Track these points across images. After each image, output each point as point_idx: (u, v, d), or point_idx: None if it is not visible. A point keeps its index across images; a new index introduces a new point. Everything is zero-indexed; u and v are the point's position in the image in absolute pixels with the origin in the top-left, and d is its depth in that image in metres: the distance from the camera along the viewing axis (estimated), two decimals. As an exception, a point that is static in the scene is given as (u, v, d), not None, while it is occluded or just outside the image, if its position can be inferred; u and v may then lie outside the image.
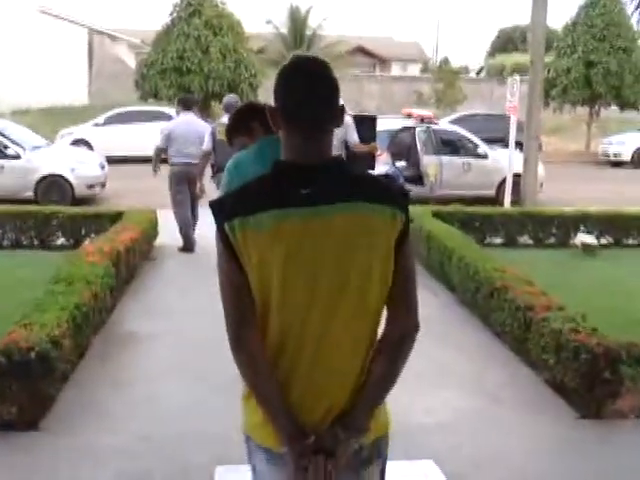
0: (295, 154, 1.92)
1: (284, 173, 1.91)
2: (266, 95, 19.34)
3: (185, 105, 9.71)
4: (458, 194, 13.61)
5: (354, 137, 8.18)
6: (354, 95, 31.54)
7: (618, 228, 10.18)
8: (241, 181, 2.17)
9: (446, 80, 32.09)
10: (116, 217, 8.97)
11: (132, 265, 7.56)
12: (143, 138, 19.46)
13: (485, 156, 14.19)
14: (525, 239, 10.18)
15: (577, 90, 24.31)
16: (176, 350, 5.84)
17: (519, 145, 18.68)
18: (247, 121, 3.49)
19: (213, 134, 8.32)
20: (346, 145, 8.15)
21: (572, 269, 8.55)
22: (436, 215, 9.55)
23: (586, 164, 23.43)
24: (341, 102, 2.00)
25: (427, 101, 31.05)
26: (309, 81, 1.92)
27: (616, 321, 5.89)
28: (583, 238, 9.55)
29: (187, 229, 9.34)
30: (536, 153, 13.38)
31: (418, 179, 13.41)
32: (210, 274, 7.79)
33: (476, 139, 14.58)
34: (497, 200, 14.06)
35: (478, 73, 56.43)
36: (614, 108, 27.16)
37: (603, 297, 7.19)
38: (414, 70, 50.54)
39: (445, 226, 8.91)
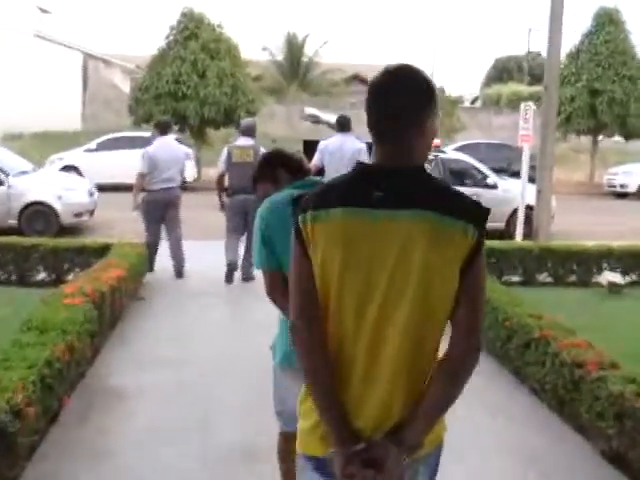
0: (380, 158, 1.96)
1: (363, 174, 1.97)
2: (262, 122, 18.60)
3: (162, 129, 9.51)
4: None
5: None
6: (352, 123, 30.81)
7: (643, 265, 9.47)
8: (277, 227, 2.72)
9: (444, 109, 31.72)
10: (102, 250, 8.22)
11: (118, 307, 6.76)
12: (136, 165, 19.62)
13: (495, 186, 13.47)
14: (544, 276, 9.45)
15: (582, 119, 23.66)
16: (170, 409, 5.05)
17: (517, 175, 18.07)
18: (273, 168, 3.38)
19: (229, 155, 8.65)
20: None
21: (601, 310, 7.81)
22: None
23: (592, 195, 22.82)
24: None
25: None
26: (392, 97, 1.93)
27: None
28: (609, 276, 8.81)
29: (152, 255, 9.14)
30: (550, 184, 12.66)
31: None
32: (207, 315, 7.01)
33: (485, 169, 13.89)
34: (507, 233, 13.37)
35: (473, 102, 56.28)
36: (617, 138, 26.62)
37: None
38: (410, 99, 50.07)
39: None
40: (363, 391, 1.92)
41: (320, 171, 8.64)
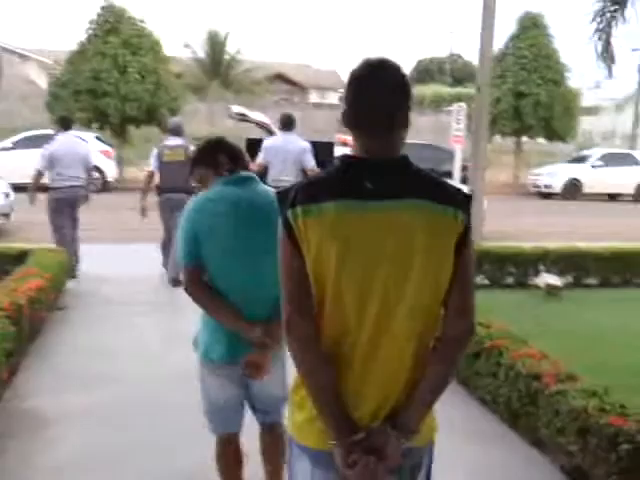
0: (364, 151, 1.94)
1: (351, 166, 1.94)
2: (184, 121, 18.12)
3: (64, 125, 9.14)
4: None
5: (311, 162, 8.41)
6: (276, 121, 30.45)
7: (578, 266, 9.47)
8: (204, 225, 2.87)
9: None
10: (20, 257, 7.63)
11: (38, 320, 6.22)
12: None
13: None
14: (480, 278, 9.30)
15: (507, 121, 23.91)
16: (98, 434, 4.57)
17: (451, 176, 18.11)
18: (215, 152, 3.28)
19: (159, 155, 8.63)
20: (303, 170, 8.39)
21: (543, 314, 7.70)
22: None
23: (517, 196, 23.11)
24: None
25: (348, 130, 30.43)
26: (381, 86, 1.92)
27: (623, 380, 4.98)
28: (548, 279, 8.73)
29: (73, 258, 8.81)
30: (483, 185, 12.62)
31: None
32: (135, 324, 6.45)
33: (417, 169, 13.71)
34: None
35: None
36: (539, 140, 27.06)
37: (588, 348, 6.36)
38: (332, 98, 50.04)
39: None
40: (362, 383, 1.94)
41: (265, 169, 8.55)
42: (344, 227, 1.86)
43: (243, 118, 12.52)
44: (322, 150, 9.01)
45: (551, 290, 8.59)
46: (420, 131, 33.70)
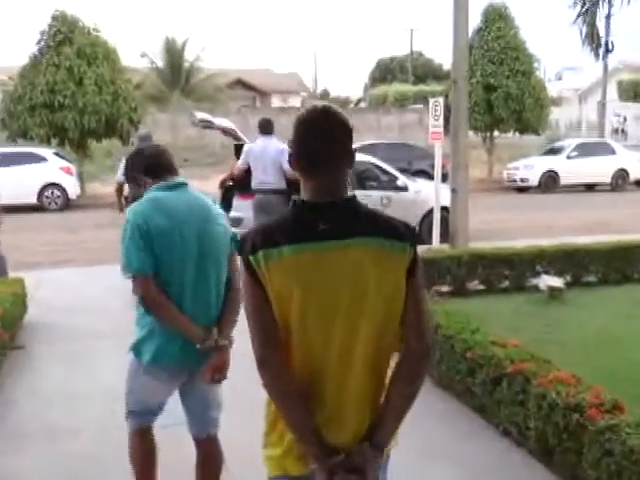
0: (314, 194, 2.08)
1: (303, 210, 2.08)
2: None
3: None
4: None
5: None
6: (240, 128, 29.72)
7: (576, 264, 8.87)
8: (149, 232, 3.00)
9: None
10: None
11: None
12: (13, 184, 18.24)
13: (405, 188, 12.62)
14: (474, 284, 8.69)
15: (479, 115, 23.34)
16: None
17: (425, 174, 17.45)
18: (133, 173, 3.36)
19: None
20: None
21: (546, 320, 7.08)
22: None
23: (493, 191, 22.59)
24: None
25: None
26: (325, 130, 2.07)
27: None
28: (549, 281, 8.12)
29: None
30: (466, 183, 12.00)
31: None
32: (104, 362, 5.63)
33: (393, 170, 13.04)
34: (419, 237, 12.63)
35: (357, 104, 56.26)
36: (510, 134, 26.61)
37: (607, 358, 5.78)
38: (295, 102, 49.40)
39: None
40: (340, 408, 2.05)
41: (247, 172, 9.04)
42: (303, 268, 2.00)
43: (207, 125, 11.81)
44: None
45: (553, 292, 7.98)
46: (385, 131, 33.34)
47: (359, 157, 13.58)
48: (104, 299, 8.39)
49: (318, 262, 1.99)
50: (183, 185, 3.22)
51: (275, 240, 2.00)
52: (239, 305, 3.13)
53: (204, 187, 23.17)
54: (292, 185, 8.33)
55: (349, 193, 2.10)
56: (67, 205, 19.77)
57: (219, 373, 3.14)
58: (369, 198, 12.21)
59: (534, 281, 8.37)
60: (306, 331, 2.00)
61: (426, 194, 12.60)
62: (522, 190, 22.71)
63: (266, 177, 8.70)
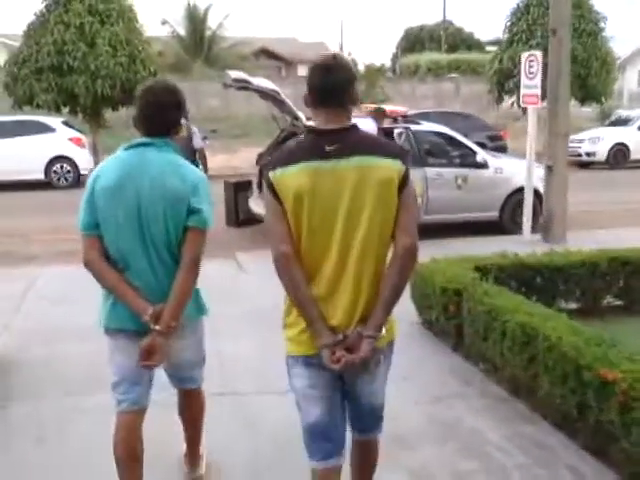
0: (321, 123, 2.61)
1: (313, 136, 2.62)
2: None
3: None
4: (453, 219, 10.06)
5: (199, 142, 10.04)
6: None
7: None
8: (99, 193, 2.92)
9: (368, 80, 29.24)
10: None
11: None
12: (18, 157, 16.81)
13: (485, 165, 10.27)
14: (609, 299, 6.43)
15: (539, 80, 20.81)
16: None
17: (482, 146, 14.93)
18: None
19: None
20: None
21: None
22: (479, 269, 5.93)
23: (554, 167, 20.12)
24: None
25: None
26: (333, 72, 2.56)
27: None
28: None
29: None
30: (565, 158, 9.68)
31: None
32: (77, 425, 2.97)
33: (471, 143, 10.69)
34: (501, 225, 10.38)
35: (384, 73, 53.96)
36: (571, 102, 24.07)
37: None
38: (321, 71, 47.21)
39: (497, 288, 5.36)
40: (335, 297, 2.57)
41: None
42: (312, 179, 2.51)
43: (244, 85, 9.55)
44: None
45: None
46: (420, 100, 31.17)
47: (431, 127, 11.35)
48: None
49: (324, 176, 2.51)
50: (146, 145, 3.01)
51: (290, 159, 2.57)
52: (186, 291, 2.98)
53: (232, 162, 21.02)
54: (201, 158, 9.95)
55: (351, 122, 2.61)
56: (79, 181, 17.49)
57: (148, 359, 2.92)
58: (441, 177, 9.94)
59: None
60: (314, 229, 2.53)
61: (509, 173, 10.37)
62: (585, 165, 20.29)
63: None
